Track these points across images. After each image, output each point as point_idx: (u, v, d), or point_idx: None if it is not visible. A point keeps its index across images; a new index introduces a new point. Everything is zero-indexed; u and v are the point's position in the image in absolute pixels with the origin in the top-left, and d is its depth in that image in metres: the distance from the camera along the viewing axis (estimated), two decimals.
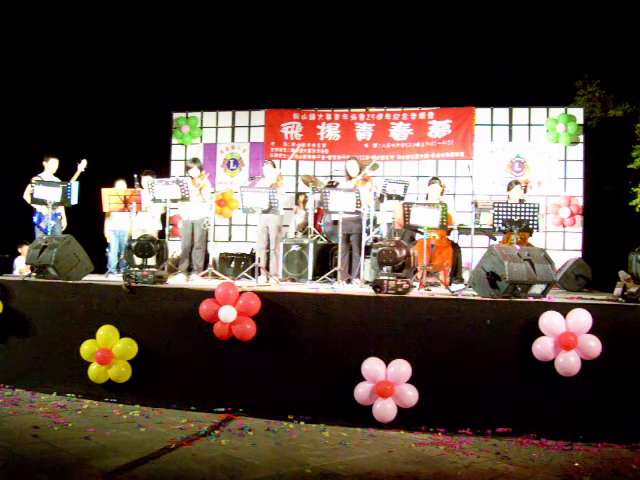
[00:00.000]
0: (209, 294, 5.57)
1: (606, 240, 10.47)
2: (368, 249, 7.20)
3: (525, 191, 8.53)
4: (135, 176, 8.53)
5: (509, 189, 8.21)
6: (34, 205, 8.13)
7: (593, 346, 4.97)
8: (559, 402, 5.06)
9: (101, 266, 8.42)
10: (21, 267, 9.37)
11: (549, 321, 5.04)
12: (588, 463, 4.43)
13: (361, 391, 5.16)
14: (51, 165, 8.50)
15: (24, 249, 9.36)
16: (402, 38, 11.96)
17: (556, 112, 10.82)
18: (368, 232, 7.93)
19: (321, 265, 8.81)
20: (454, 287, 6.96)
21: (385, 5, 11.88)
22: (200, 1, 12.12)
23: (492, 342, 5.20)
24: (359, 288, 7.07)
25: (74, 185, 7.51)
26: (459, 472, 4.18)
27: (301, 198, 10.43)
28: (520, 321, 5.20)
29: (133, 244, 6.48)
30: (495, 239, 8.24)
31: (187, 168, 8.53)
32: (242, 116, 11.85)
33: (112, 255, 9.03)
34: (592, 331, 5.01)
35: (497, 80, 11.24)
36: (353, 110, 11.46)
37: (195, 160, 8.61)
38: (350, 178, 8.32)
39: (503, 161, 10.95)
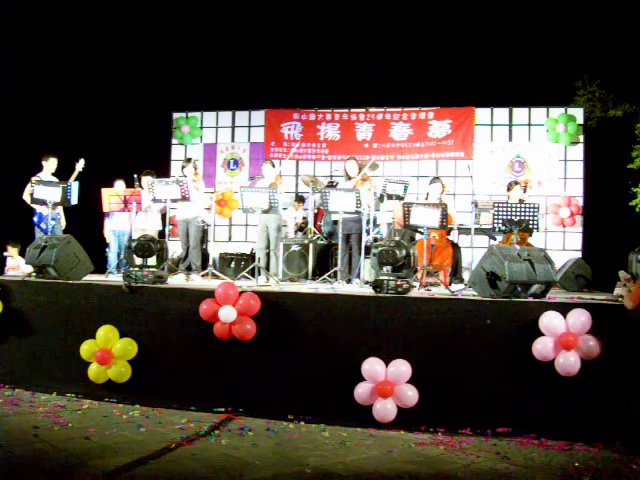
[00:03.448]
0: (209, 294, 5.58)
1: (606, 240, 10.44)
2: (368, 249, 7.20)
3: (525, 191, 8.53)
4: (135, 176, 8.53)
5: (509, 189, 8.22)
6: (34, 205, 8.13)
7: (593, 346, 4.97)
8: (559, 402, 5.06)
9: (101, 266, 8.42)
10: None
11: (549, 321, 5.04)
12: (588, 463, 4.44)
13: (361, 391, 5.16)
14: (50, 165, 8.49)
15: (9, 250, 9.19)
16: (402, 38, 11.95)
17: (556, 112, 10.82)
18: (368, 232, 7.93)
19: (321, 265, 8.81)
20: (454, 287, 6.96)
21: (385, 5, 11.87)
22: (200, 1, 12.11)
23: (492, 342, 5.20)
24: (359, 288, 7.06)
25: (74, 185, 7.51)
26: (459, 472, 4.19)
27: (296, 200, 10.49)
28: (520, 321, 5.20)
29: (133, 244, 6.48)
30: (495, 239, 8.24)
31: (182, 167, 8.57)
32: (242, 116, 11.85)
33: (112, 255, 9.03)
34: (592, 331, 5.01)
35: (497, 80, 11.23)
36: (353, 110, 11.45)
37: (189, 159, 8.70)
38: (349, 178, 8.33)
39: (503, 161, 10.95)
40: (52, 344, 6.14)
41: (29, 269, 6.93)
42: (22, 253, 8.77)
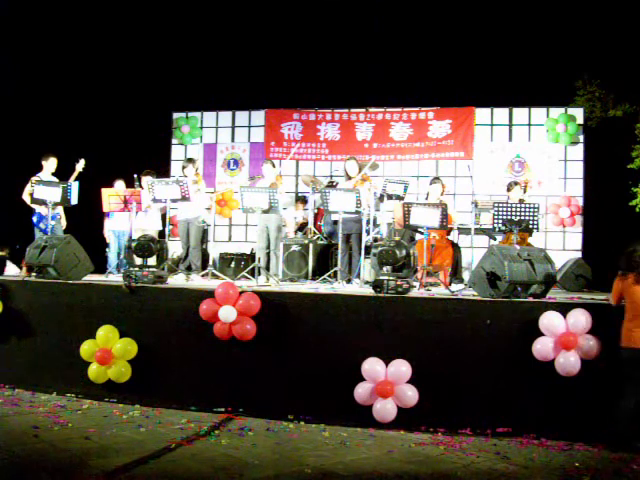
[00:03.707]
0: (209, 294, 5.57)
1: (606, 240, 10.44)
2: (368, 249, 7.20)
3: (525, 191, 8.53)
4: (135, 176, 8.53)
5: (509, 190, 8.22)
6: (34, 205, 8.12)
7: (593, 346, 4.97)
8: (559, 402, 5.06)
9: (101, 266, 8.41)
10: None
11: (549, 321, 5.05)
12: (588, 463, 4.44)
13: (361, 391, 5.16)
14: (50, 164, 8.47)
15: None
16: (402, 38, 11.96)
17: (556, 112, 10.81)
18: (368, 232, 7.93)
19: (321, 265, 8.80)
20: (454, 287, 6.96)
21: (385, 4, 11.87)
22: (200, 1, 12.11)
23: (492, 342, 5.20)
24: (359, 288, 7.06)
25: (74, 185, 7.51)
26: (459, 472, 4.19)
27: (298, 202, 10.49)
28: (520, 321, 5.20)
29: (133, 244, 6.48)
30: (495, 239, 8.24)
31: (183, 167, 8.56)
32: (242, 116, 11.84)
33: (112, 255, 9.02)
34: (592, 331, 5.01)
35: (497, 80, 11.24)
36: (353, 110, 11.44)
37: (191, 160, 8.67)
38: (349, 178, 8.33)
39: (503, 161, 10.94)
40: (52, 344, 6.14)
41: (15, 272, 6.91)
42: (12, 255, 8.72)
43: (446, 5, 11.72)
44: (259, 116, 11.73)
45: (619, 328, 4.88)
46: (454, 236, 8.57)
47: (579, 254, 10.22)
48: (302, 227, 9.93)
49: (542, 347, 5.02)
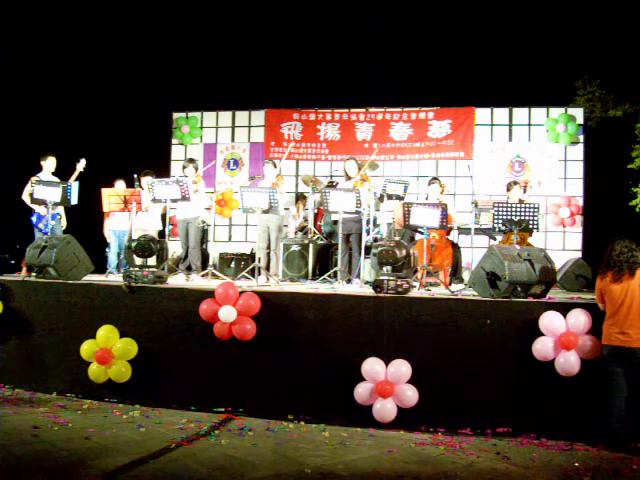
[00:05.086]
0: (209, 294, 5.57)
1: (606, 240, 10.42)
2: (368, 249, 7.20)
3: (525, 191, 8.53)
4: (135, 176, 8.53)
5: (508, 189, 8.21)
6: (33, 205, 8.12)
7: (593, 346, 4.97)
8: (559, 402, 5.06)
9: (101, 266, 8.42)
10: None
11: (549, 321, 5.05)
12: (588, 463, 4.44)
13: (361, 391, 5.16)
14: (49, 164, 8.46)
15: None
16: (402, 38, 11.97)
17: (556, 112, 10.81)
18: (368, 232, 7.92)
19: (321, 265, 8.80)
20: (454, 287, 6.96)
21: (385, 4, 11.88)
22: (200, 1, 12.13)
23: (492, 342, 5.20)
24: (359, 288, 7.06)
25: (74, 185, 7.50)
26: (459, 472, 4.19)
27: (300, 200, 10.46)
28: (520, 321, 5.20)
29: (133, 244, 6.47)
30: (495, 239, 8.24)
31: (183, 167, 8.56)
32: (242, 116, 11.84)
33: (112, 255, 9.02)
34: (592, 331, 5.01)
35: (497, 80, 11.25)
36: (353, 110, 11.44)
37: (191, 160, 8.67)
38: (349, 178, 8.32)
39: (503, 161, 10.94)
40: (52, 344, 6.14)
41: None
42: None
43: (446, 5, 11.72)
44: (259, 116, 11.73)
45: None
46: (454, 236, 8.57)
47: (579, 254, 10.22)
48: (303, 228, 9.93)
49: (542, 347, 5.03)
